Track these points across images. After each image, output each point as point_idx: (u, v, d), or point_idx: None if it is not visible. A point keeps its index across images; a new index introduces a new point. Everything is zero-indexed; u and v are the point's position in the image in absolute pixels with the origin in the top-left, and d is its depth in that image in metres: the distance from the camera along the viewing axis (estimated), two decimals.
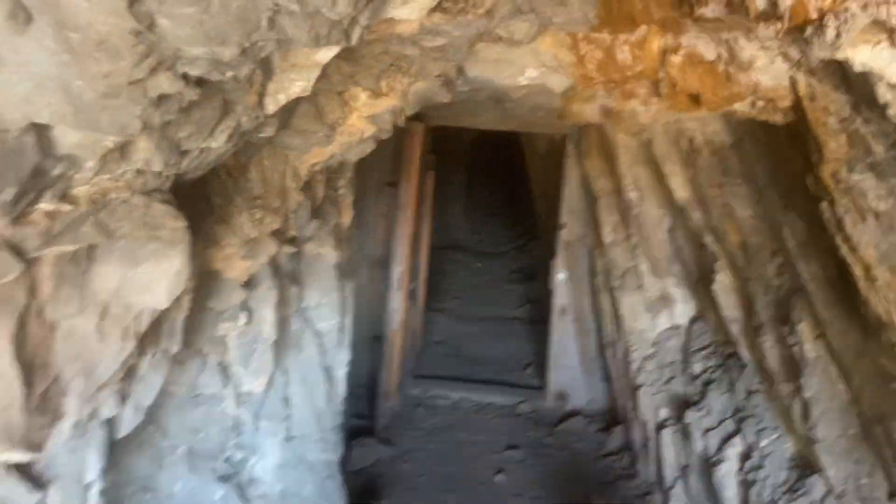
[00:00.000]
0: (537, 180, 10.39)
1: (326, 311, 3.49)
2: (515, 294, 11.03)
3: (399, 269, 5.63)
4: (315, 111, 2.40)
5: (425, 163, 6.22)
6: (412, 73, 2.56)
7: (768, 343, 3.65)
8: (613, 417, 6.31)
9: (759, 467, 3.66)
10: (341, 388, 3.85)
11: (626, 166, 5.09)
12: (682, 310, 5.16)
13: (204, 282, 2.39)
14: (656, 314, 5.25)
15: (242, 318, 2.50)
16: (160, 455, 2.72)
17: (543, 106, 5.35)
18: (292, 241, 2.95)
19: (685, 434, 4.47)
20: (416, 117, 5.76)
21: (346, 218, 4.05)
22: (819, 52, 1.53)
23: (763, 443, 3.71)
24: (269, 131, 2.01)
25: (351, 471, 5.38)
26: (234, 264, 2.34)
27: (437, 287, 11.04)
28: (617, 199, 5.71)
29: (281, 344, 3.17)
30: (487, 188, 18.43)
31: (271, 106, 1.87)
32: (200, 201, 2.09)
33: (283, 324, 3.21)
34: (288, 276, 3.07)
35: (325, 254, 3.45)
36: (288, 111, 2.29)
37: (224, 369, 2.55)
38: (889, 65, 1.47)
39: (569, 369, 6.86)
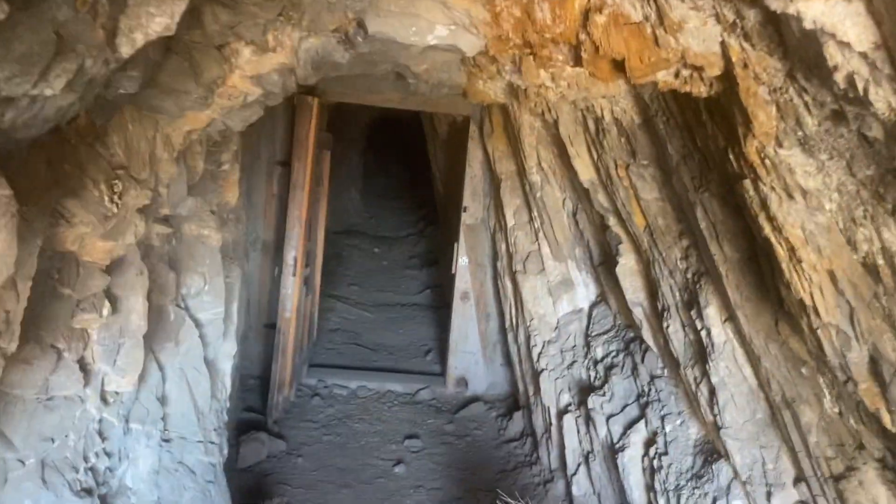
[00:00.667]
0: (438, 163, 10.17)
1: (209, 299, 3.10)
2: (415, 280, 10.81)
3: (292, 254, 5.26)
4: (189, 68, 2.01)
5: (321, 141, 5.85)
6: (304, 26, 2.21)
7: (673, 327, 3.58)
8: (514, 403, 6.21)
9: (663, 454, 3.60)
10: (227, 382, 3.47)
11: (531, 147, 4.93)
12: (584, 294, 5.08)
13: (55, 265, 1.99)
14: (558, 298, 5.14)
15: (105, 308, 2.10)
16: (3, 470, 2.30)
17: (447, 83, 5.10)
18: (166, 220, 2.55)
19: (587, 419, 4.38)
20: (311, 91, 5.39)
21: (231, 196, 3.65)
22: (772, 4, 1.35)
23: (668, 428, 3.65)
24: (129, 86, 1.63)
25: (240, 469, 4.99)
26: (92, 245, 1.94)
27: (333, 273, 10.65)
28: (520, 181, 5.56)
29: (154, 336, 2.78)
30: (386, 171, 18.09)
31: (126, 47, 1.50)
32: (41, 168, 1.69)
33: (157, 313, 2.81)
34: (163, 260, 2.67)
35: (206, 235, 3.05)
36: (154, 65, 1.92)
37: (85, 367, 2.16)
38: (842, 21, 1.30)
39: (469, 355, 6.70)
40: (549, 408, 4.91)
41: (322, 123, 5.94)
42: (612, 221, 4.20)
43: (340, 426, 5.90)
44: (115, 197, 1.82)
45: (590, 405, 4.31)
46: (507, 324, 6.06)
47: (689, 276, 3.37)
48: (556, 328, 5.11)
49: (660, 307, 3.73)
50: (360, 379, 6.76)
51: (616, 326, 4.63)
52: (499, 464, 5.39)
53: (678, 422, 3.65)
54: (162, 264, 2.66)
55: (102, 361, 2.16)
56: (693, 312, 3.27)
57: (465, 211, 6.51)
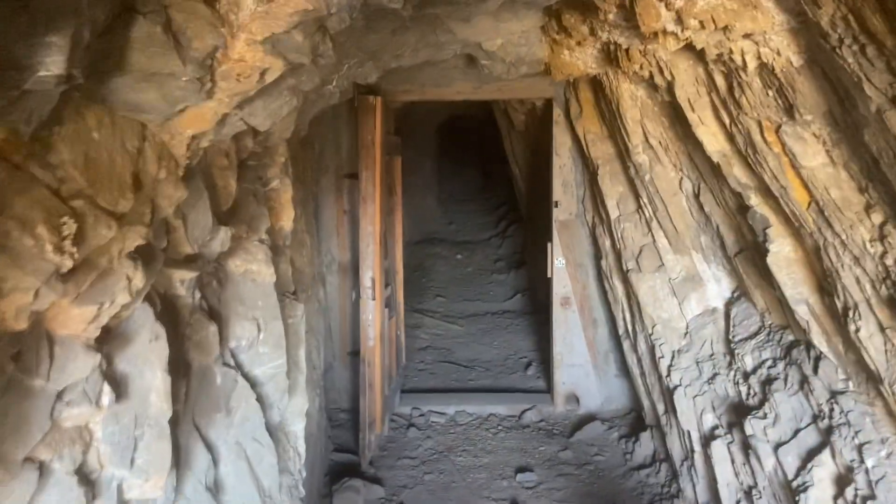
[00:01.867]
0: (517, 158, 9.39)
1: (266, 350, 2.47)
2: (503, 285, 10.05)
3: (369, 275, 4.61)
4: (166, 36, 1.33)
5: (389, 146, 5.19)
6: None
7: (866, 330, 2.70)
8: (638, 420, 5.36)
9: (869, 497, 2.71)
10: (300, 447, 2.82)
11: (634, 122, 4.10)
12: (716, 290, 4.20)
13: (5, 352, 1.32)
14: (684, 298, 4.28)
15: (106, 395, 1.48)
16: None
17: (526, 59, 4.34)
18: (192, 260, 1.93)
19: (745, 447, 3.52)
20: (372, 91, 4.73)
21: (287, 219, 3.01)
22: None
23: (870, 462, 2.76)
24: (54, 66, 0.98)
25: None
26: (65, 315, 1.33)
27: (416, 286, 10.04)
28: (622, 164, 4.73)
29: (198, 408, 2.15)
30: (461, 174, 17.41)
31: None
32: None
33: (199, 379, 2.18)
34: (198, 311, 2.04)
35: (255, 271, 2.41)
36: (114, 35, 1.26)
37: (88, 477, 1.54)
38: None
39: (578, 367, 5.89)
40: (688, 431, 4.06)
41: (388, 126, 5.29)
42: (754, 200, 3.33)
43: (442, 461, 5.21)
44: (66, 243, 1.18)
45: (748, 430, 3.45)
46: (621, 330, 5.23)
47: (891, 262, 2.48)
48: (687, 334, 4.25)
49: (839, 305, 2.84)
50: (458, 402, 6.06)
51: (766, 328, 3.74)
52: (631, 497, 4.57)
53: (883, 453, 2.76)
54: (197, 316, 2.03)
55: (114, 464, 1.54)
56: None
57: (556, 206, 5.72)
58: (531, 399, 6.12)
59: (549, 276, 5.87)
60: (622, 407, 5.74)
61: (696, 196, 4.01)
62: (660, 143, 4.07)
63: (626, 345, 5.17)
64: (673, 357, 4.26)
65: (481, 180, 17.26)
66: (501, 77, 4.81)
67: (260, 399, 2.38)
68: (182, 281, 1.93)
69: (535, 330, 7.96)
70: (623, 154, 4.55)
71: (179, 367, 1.96)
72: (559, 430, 5.64)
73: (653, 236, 4.45)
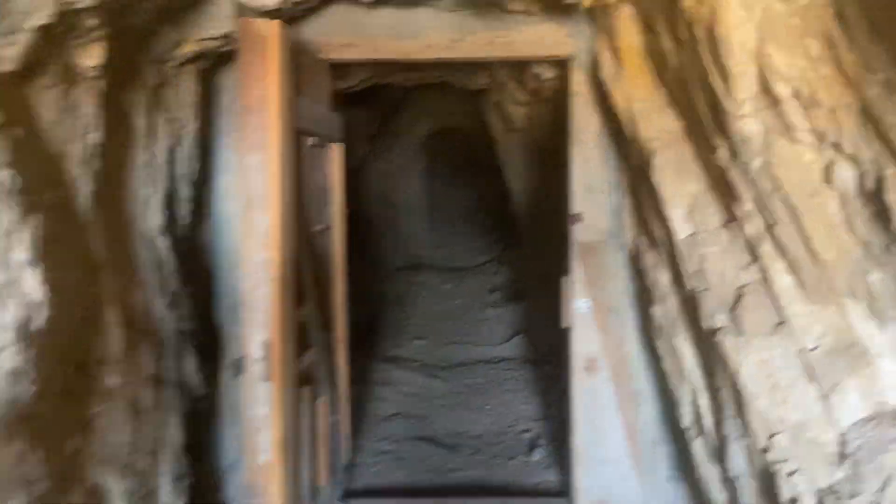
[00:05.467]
0: (515, 166, 7.42)
1: None
2: (499, 322, 8.00)
3: (259, 338, 2.59)
4: None
5: (309, 117, 3.21)
6: None
7: None
8: None
9: None
10: None
11: (743, 55, 2.11)
12: None
13: None
14: (834, 387, 2.25)
15: None
16: None
17: None
18: None
19: None
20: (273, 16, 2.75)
21: None
22: None
23: None
24: None
25: None
26: None
27: (392, 325, 7.99)
28: (697, 147, 2.73)
29: None
30: (451, 191, 15.44)
31: None
32: None
33: None
34: None
35: None
36: None
37: None
38: None
39: (610, 464, 3.84)
40: None
41: (315, 89, 3.30)
42: None
43: None
44: None
45: None
46: (686, 419, 3.18)
47: None
48: (844, 458, 2.21)
49: None
50: None
51: None
52: None
53: None
54: None
55: None
56: None
57: (577, 221, 3.72)
58: None
59: (564, 325, 3.84)
60: None
61: (874, 195, 2.00)
62: (797, 92, 2.07)
63: (696, 445, 3.12)
64: (819, 499, 2.22)
65: (476, 197, 15.32)
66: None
67: None
68: None
69: (541, 388, 5.91)
70: (703, 128, 2.55)
71: None
72: None
73: (764, 271, 2.44)
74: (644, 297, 3.47)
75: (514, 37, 3.58)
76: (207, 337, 3.19)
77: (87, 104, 2.02)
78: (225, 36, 2.75)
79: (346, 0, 3.43)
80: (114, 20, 2.23)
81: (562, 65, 3.86)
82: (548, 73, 4.27)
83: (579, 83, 3.62)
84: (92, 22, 1.89)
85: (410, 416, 5.47)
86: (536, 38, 3.56)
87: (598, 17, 3.21)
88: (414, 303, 9.05)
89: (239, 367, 2.64)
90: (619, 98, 3.16)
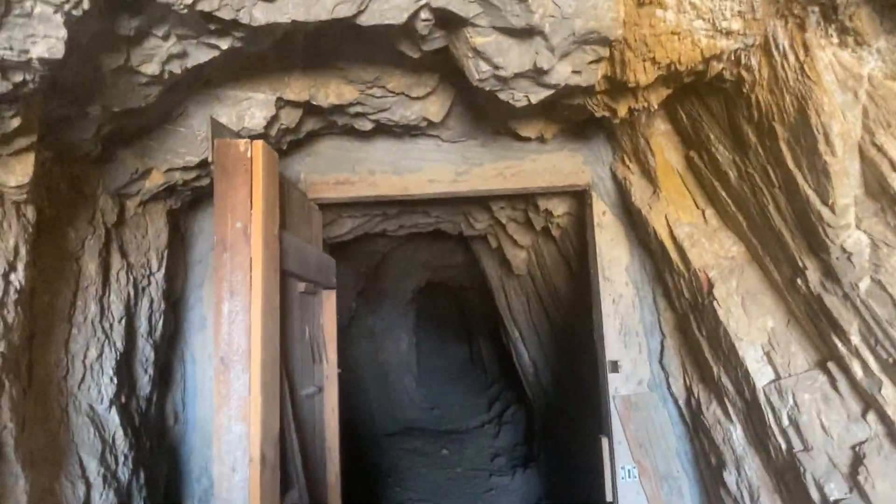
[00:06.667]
0: (517, 316, 6.94)
1: None
2: (507, 493, 7.13)
3: None
4: None
5: (296, 257, 2.73)
6: None
7: None
8: None
9: None
10: None
11: (843, 146, 1.70)
12: None
13: None
14: None
15: None
16: None
17: (578, 33, 2.02)
18: None
19: None
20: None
21: None
22: None
23: None
24: None
25: None
26: None
27: (385, 501, 7.09)
28: (766, 272, 2.27)
29: None
30: (443, 347, 14.85)
31: None
32: None
33: None
34: None
35: None
36: None
37: None
38: None
39: None
40: None
41: (305, 225, 2.85)
42: None
43: None
44: None
45: None
46: None
47: None
48: None
49: None
50: None
51: None
52: None
53: None
54: None
55: None
56: None
57: (614, 370, 3.17)
58: None
59: (608, 498, 3.17)
60: None
61: None
62: None
63: None
64: None
65: (470, 352, 14.68)
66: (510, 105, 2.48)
67: None
68: None
69: None
70: (780, 248, 2.11)
71: None
72: None
73: (889, 422, 1.88)
74: (705, 460, 2.86)
75: (526, 167, 3.24)
76: None
77: (9, 233, 1.53)
78: (201, 165, 2.34)
79: (340, 133, 3.08)
80: (48, 132, 1.80)
81: (578, 196, 3.50)
82: (559, 208, 3.90)
83: (601, 214, 3.23)
84: (14, 125, 1.46)
85: None
86: (550, 166, 3.22)
87: (622, 139, 2.88)
88: (410, 472, 8.16)
89: None
90: (657, 225, 2.75)
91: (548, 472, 6.73)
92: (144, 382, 2.41)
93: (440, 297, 13.73)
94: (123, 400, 2.17)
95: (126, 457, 2.09)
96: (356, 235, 5.24)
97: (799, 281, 2.07)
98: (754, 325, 2.32)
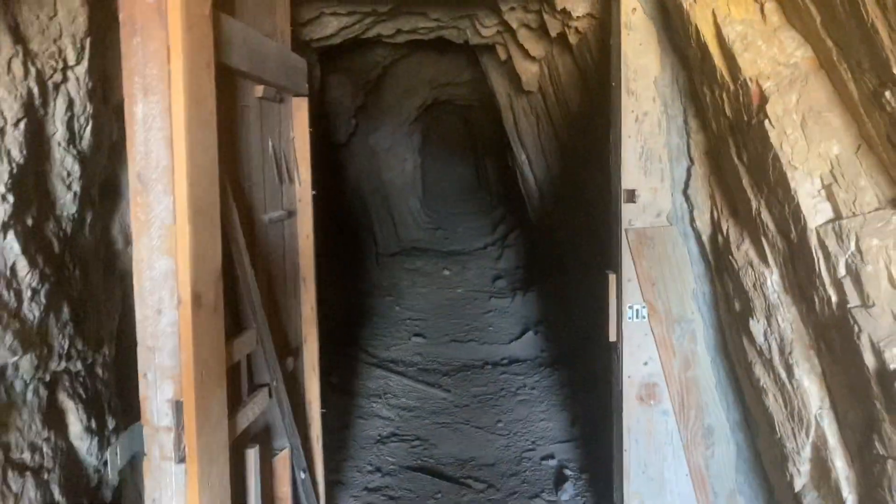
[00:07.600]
0: (525, 137, 6.42)
1: None
2: (508, 315, 7.05)
3: (169, 390, 1.63)
4: None
5: (245, 50, 2.21)
6: None
7: None
8: None
9: None
10: None
11: None
12: None
13: None
14: None
15: None
16: None
17: None
18: None
19: None
20: None
21: None
22: None
23: None
24: None
25: None
26: None
27: (384, 318, 7.05)
28: (844, 86, 1.75)
29: None
30: (449, 168, 14.46)
31: None
32: None
33: None
34: None
35: None
36: None
37: None
38: None
39: None
40: None
41: (263, 5, 2.30)
42: None
43: None
44: None
45: None
46: (803, 478, 2.23)
47: None
48: None
49: None
50: None
51: None
52: None
53: None
54: None
55: None
56: None
57: (629, 200, 2.74)
58: None
59: (611, 338, 2.89)
60: None
61: None
62: None
63: (809, 499, 2.18)
64: None
65: (476, 174, 14.30)
66: None
67: None
68: None
69: (563, 398, 4.99)
70: (861, 56, 1.57)
71: None
72: None
73: None
74: (727, 305, 2.51)
75: None
76: (123, 388, 2.23)
77: None
78: None
79: None
80: None
81: None
82: (579, 8, 3.26)
83: (631, 11, 2.63)
84: None
85: (407, 437, 4.53)
86: None
87: None
88: (410, 291, 8.10)
89: (134, 440, 1.68)
90: (700, 23, 2.17)
91: (547, 299, 6.59)
92: (68, 200, 2.00)
93: (447, 117, 13.09)
94: (30, 222, 1.77)
95: (35, 291, 1.74)
96: (345, 39, 4.60)
97: (888, 94, 1.56)
98: (814, 151, 1.85)
